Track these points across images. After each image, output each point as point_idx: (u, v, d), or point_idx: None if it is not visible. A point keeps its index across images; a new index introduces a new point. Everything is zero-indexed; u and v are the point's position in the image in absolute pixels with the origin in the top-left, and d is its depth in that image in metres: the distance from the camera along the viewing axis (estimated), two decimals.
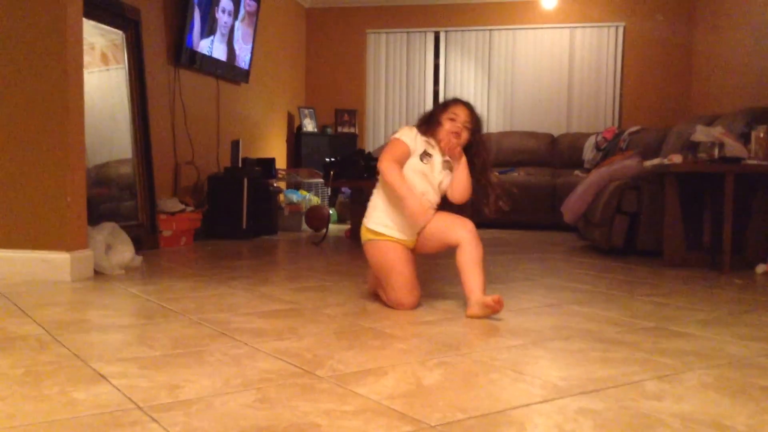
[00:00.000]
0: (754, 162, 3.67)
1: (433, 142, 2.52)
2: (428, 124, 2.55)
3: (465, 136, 2.54)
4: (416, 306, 2.49)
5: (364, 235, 2.56)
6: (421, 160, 2.48)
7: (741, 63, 5.30)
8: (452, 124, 2.51)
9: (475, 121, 2.57)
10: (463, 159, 2.54)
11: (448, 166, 2.54)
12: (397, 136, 2.52)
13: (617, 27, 7.29)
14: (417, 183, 2.47)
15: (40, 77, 2.99)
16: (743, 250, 3.86)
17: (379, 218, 2.51)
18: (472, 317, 2.32)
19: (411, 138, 2.50)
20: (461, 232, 2.45)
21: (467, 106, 2.58)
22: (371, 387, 1.53)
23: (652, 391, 1.55)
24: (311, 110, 7.57)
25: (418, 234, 2.53)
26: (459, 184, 2.54)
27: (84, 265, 3.10)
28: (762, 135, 3.70)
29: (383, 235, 2.50)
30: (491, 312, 2.31)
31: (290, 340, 1.97)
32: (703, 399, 1.49)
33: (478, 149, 2.59)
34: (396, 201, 2.44)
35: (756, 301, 2.80)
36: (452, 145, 2.49)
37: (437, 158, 2.51)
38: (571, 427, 1.30)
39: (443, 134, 2.51)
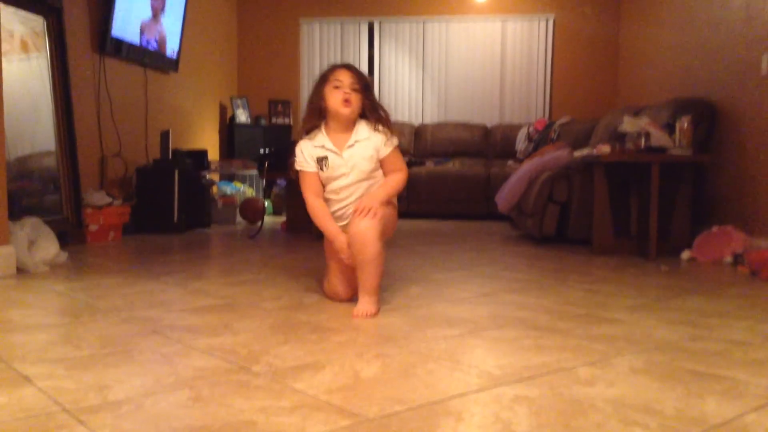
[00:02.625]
0: (678, 152, 3.80)
1: (325, 137, 2.40)
2: (317, 108, 2.41)
3: (356, 99, 2.36)
4: (350, 298, 2.45)
5: None
6: (322, 169, 2.38)
7: (666, 56, 5.48)
8: (338, 92, 2.35)
9: (361, 80, 2.39)
10: (375, 196, 2.35)
11: (363, 139, 2.40)
12: (298, 168, 2.42)
13: (547, 19, 7.42)
14: (333, 185, 2.40)
15: None
16: (669, 237, 3.99)
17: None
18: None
19: (306, 159, 2.40)
20: (354, 227, 2.30)
21: (348, 67, 2.41)
22: (308, 382, 1.51)
23: (585, 377, 1.58)
24: (244, 100, 7.44)
25: None
26: (392, 194, 2.43)
27: (6, 262, 2.96)
28: (686, 125, 3.83)
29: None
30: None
31: (224, 336, 1.92)
32: (633, 383, 1.53)
33: (371, 108, 2.42)
34: (336, 198, 2.42)
35: (681, 287, 2.90)
36: (364, 207, 2.27)
37: (332, 156, 2.38)
38: (507, 415, 1.31)
39: (335, 107, 2.35)
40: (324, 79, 2.40)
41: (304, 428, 1.23)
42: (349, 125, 2.40)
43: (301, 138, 2.47)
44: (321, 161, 2.38)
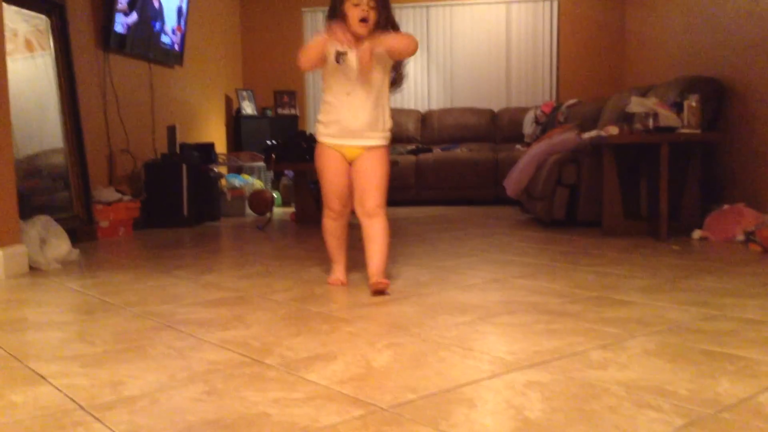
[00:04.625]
0: (687, 131, 3.77)
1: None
2: (335, 19, 2.42)
3: (373, 16, 2.40)
4: (342, 215, 2.57)
5: None
6: (337, 61, 2.41)
7: (672, 34, 5.43)
8: (357, 10, 2.38)
9: None
10: (381, 37, 2.39)
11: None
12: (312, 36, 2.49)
13: (551, 1, 7.36)
14: (342, 86, 2.44)
15: None
16: (679, 217, 3.97)
17: (318, 126, 2.55)
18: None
19: (322, 36, 2.42)
20: (364, 207, 2.47)
21: None
22: (321, 372, 1.52)
23: (597, 360, 1.58)
24: (249, 92, 7.44)
25: (360, 154, 2.48)
26: (396, 45, 2.41)
27: (18, 261, 2.98)
28: (694, 104, 3.79)
29: (322, 142, 2.54)
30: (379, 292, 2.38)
31: (237, 329, 1.93)
32: (645, 365, 1.53)
33: (386, 25, 2.44)
34: (328, 107, 2.47)
35: (693, 267, 2.89)
36: (362, 52, 2.34)
37: (351, 53, 2.40)
38: (520, 401, 1.32)
39: (353, 25, 2.38)
40: None
41: (318, 419, 1.24)
42: (365, 38, 2.41)
43: None
44: (339, 56, 2.40)
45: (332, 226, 2.60)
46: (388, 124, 2.52)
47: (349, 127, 2.45)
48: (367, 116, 2.44)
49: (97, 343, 1.81)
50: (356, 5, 2.38)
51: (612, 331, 1.83)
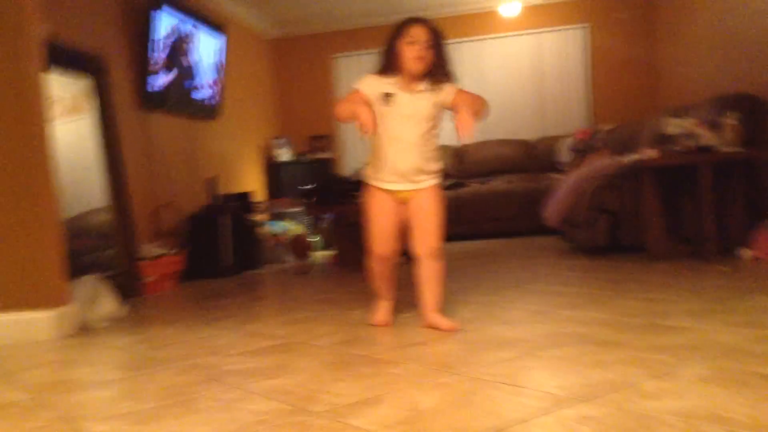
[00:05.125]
0: (728, 149, 3.70)
1: (395, 80, 2.42)
2: (388, 60, 2.42)
3: (429, 55, 2.38)
4: (389, 258, 2.53)
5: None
6: (386, 104, 2.40)
7: (704, 52, 5.37)
8: (412, 49, 2.36)
9: (435, 37, 2.41)
10: (466, 102, 2.39)
11: (428, 90, 2.43)
12: (354, 85, 2.48)
13: (583, 29, 7.36)
14: (390, 130, 2.41)
15: (7, 136, 2.95)
16: (726, 237, 3.87)
17: (367, 169, 2.55)
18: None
19: (368, 84, 2.43)
20: (422, 248, 2.46)
21: (423, 22, 2.40)
22: (368, 417, 1.50)
23: (650, 390, 1.53)
24: (285, 139, 7.56)
25: (413, 195, 2.47)
26: (479, 111, 2.42)
27: (68, 322, 3.04)
28: (733, 122, 3.73)
29: (372, 186, 2.52)
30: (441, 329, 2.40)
31: (282, 378, 1.93)
32: (701, 393, 1.48)
33: (440, 66, 2.43)
34: (377, 150, 2.45)
35: (742, 287, 2.81)
36: (463, 122, 2.29)
37: (401, 95, 2.40)
38: None
39: (407, 63, 2.38)
40: (399, 32, 2.40)
41: None
42: (417, 79, 2.41)
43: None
44: (388, 97, 2.39)
45: (379, 269, 2.55)
46: (438, 165, 2.51)
47: (399, 169, 2.43)
48: (415, 159, 2.42)
49: (146, 400, 1.82)
50: (411, 44, 2.36)
51: (664, 359, 1.78)
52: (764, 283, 2.88)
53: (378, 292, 2.60)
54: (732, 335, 1.99)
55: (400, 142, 2.41)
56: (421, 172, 2.45)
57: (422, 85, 2.42)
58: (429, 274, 2.45)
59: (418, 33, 2.37)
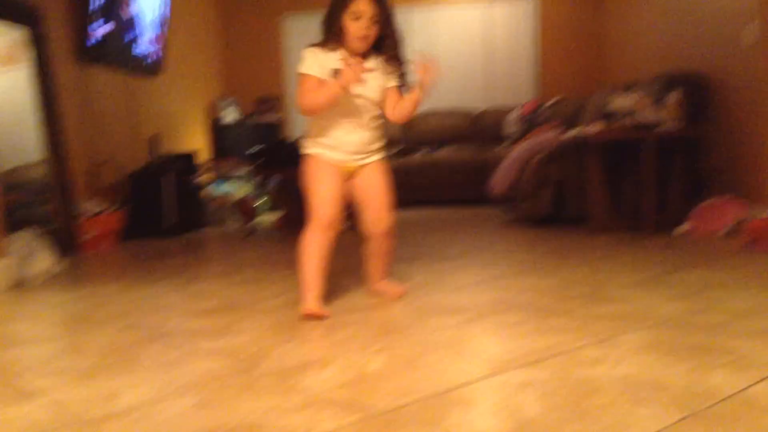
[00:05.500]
0: (670, 126, 3.79)
1: (340, 53, 2.24)
2: (331, 33, 2.24)
3: (374, 31, 2.22)
4: (331, 227, 2.23)
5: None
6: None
7: (651, 30, 5.46)
8: (357, 26, 2.19)
9: (383, 11, 2.23)
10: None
11: (378, 69, 2.29)
12: (301, 70, 2.26)
13: (531, 2, 7.39)
14: (338, 107, 2.24)
15: None
16: (665, 211, 3.99)
17: (310, 143, 2.35)
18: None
19: (314, 63, 2.22)
20: (376, 227, 2.37)
21: None
22: (314, 378, 1.50)
23: (591, 357, 1.58)
24: (232, 100, 7.41)
25: (358, 170, 2.35)
26: (399, 109, 2.34)
27: (4, 276, 2.94)
28: (676, 99, 3.82)
29: (313, 155, 2.34)
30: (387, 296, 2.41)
31: (227, 338, 1.91)
32: (639, 361, 1.53)
33: (389, 41, 2.27)
34: (321, 125, 2.30)
35: (681, 261, 2.90)
36: (353, 72, 2.12)
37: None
38: (516, 401, 1.31)
39: (351, 41, 2.21)
40: (343, 4, 2.21)
41: (313, 427, 1.23)
42: (362, 56, 2.26)
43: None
44: (337, 74, 2.17)
45: (318, 242, 2.22)
46: (382, 141, 2.43)
47: (345, 147, 2.31)
48: (362, 137, 2.33)
49: (87, 357, 1.78)
50: (357, 19, 2.19)
51: (604, 328, 1.83)
52: (700, 258, 2.99)
53: (307, 277, 2.21)
54: (670, 306, 2.05)
55: (347, 121, 2.29)
56: (368, 148, 2.36)
57: (371, 62, 2.27)
58: (381, 249, 2.42)
59: (363, 7, 2.19)
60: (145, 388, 1.49)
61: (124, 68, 5.29)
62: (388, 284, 2.45)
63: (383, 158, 2.44)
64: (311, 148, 2.35)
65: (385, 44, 2.28)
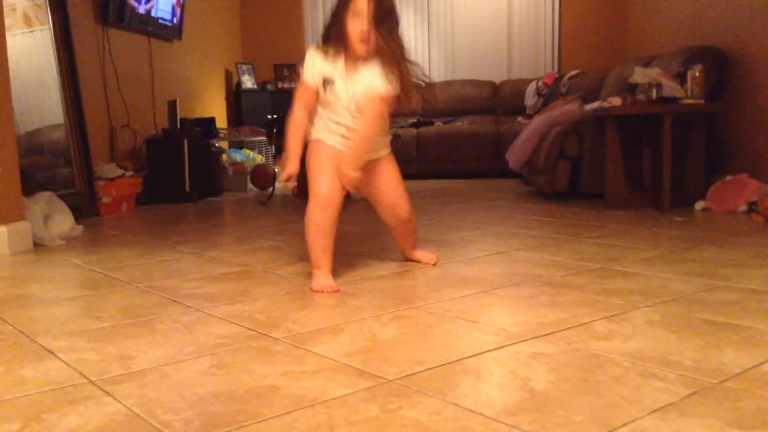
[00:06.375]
0: (691, 101, 3.75)
1: (335, 58, 2.18)
2: (333, 31, 2.17)
3: (374, 33, 2.10)
4: (333, 202, 2.18)
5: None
6: (325, 90, 2.18)
7: (675, 3, 5.37)
8: (355, 25, 2.10)
9: (378, 10, 2.09)
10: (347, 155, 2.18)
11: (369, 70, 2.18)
12: (302, 75, 2.23)
13: None
14: (332, 115, 2.21)
15: None
16: (683, 188, 3.96)
17: (314, 132, 2.28)
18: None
19: (311, 70, 2.19)
20: (396, 220, 2.40)
21: None
22: (328, 346, 1.53)
23: (602, 331, 1.59)
24: (250, 66, 7.39)
25: (366, 166, 2.27)
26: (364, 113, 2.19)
27: (22, 238, 2.99)
28: (698, 74, 3.77)
29: (318, 139, 2.28)
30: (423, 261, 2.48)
31: (243, 304, 1.94)
32: (650, 336, 1.54)
33: (385, 41, 2.12)
34: (325, 116, 2.24)
35: (696, 238, 2.89)
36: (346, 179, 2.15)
37: (340, 82, 2.17)
38: (526, 372, 1.33)
39: (353, 42, 2.13)
40: (345, 2, 2.13)
41: (326, 391, 1.25)
42: (363, 60, 2.18)
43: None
44: (326, 84, 2.17)
45: (321, 218, 2.17)
46: (388, 137, 2.37)
47: (341, 130, 2.23)
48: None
49: (104, 319, 1.82)
50: (356, 17, 2.10)
51: (616, 303, 1.84)
52: (716, 234, 2.97)
53: (315, 254, 2.18)
54: (682, 283, 2.05)
55: (349, 118, 2.21)
56: (372, 147, 2.28)
57: (365, 67, 2.17)
58: (404, 231, 2.47)
59: (362, 6, 2.08)
60: (162, 350, 1.53)
61: (144, 32, 5.30)
62: (421, 252, 2.51)
63: (390, 153, 2.39)
64: (315, 135, 2.28)
65: (385, 45, 2.13)
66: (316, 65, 2.20)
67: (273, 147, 6.50)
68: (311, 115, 2.28)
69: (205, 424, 1.12)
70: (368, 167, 2.29)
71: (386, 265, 2.47)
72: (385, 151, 2.38)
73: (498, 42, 7.52)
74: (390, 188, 2.37)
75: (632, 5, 6.81)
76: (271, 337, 1.61)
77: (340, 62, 2.19)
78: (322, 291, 2.09)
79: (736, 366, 1.33)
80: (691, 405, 1.15)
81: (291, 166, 2.18)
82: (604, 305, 1.82)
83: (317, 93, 2.22)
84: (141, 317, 1.82)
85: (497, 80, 7.45)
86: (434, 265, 2.44)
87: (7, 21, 3.35)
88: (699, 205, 3.77)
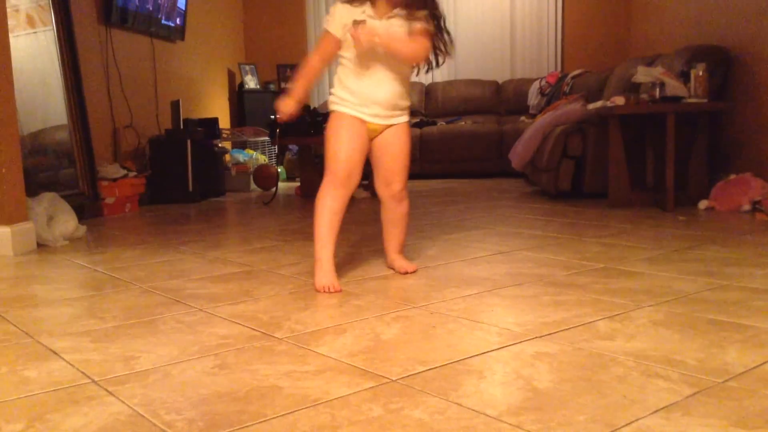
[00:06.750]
0: (694, 100, 3.74)
1: (367, 7, 2.16)
2: None
3: None
4: (346, 186, 2.18)
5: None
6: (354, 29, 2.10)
7: (677, 3, 5.36)
8: None
9: None
10: (389, 32, 2.12)
11: (402, 17, 2.16)
12: (325, 26, 2.23)
13: None
14: (362, 59, 2.16)
15: None
16: (686, 187, 3.96)
17: (332, 98, 2.27)
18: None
19: (338, 19, 2.18)
20: (387, 190, 2.31)
21: None
22: (330, 345, 1.53)
23: (605, 331, 1.58)
24: (252, 67, 7.40)
25: (383, 130, 2.28)
26: (400, 51, 2.16)
27: (26, 238, 2.99)
28: (701, 73, 3.76)
29: (336, 110, 2.26)
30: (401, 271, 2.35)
31: (246, 304, 1.95)
32: (653, 336, 1.53)
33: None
34: (346, 80, 2.23)
35: (699, 237, 2.88)
36: (360, 33, 2.06)
37: (372, 22, 2.13)
38: (529, 372, 1.33)
39: None
40: None
41: (329, 391, 1.25)
42: (392, 6, 2.16)
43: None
44: (357, 24, 2.10)
45: (331, 198, 2.17)
46: (409, 101, 2.33)
47: (370, 102, 2.21)
48: (387, 93, 2.22)
49: (108, 319, 1.82)
50: None
51: (619, 302, 1.83)
52: (720, 233, 2.97)
53: (320, 237, 2.18)
54: (686, 282, 2.05)
55: (372, 74, 2.20)
56: (393, 107, 2.26)
57: (396, 11, 2.17)
58: (392, 216, 2.36)
59: None
60: (165, 350, 1.53)
61: (147, 33, 5.30)
62: (400, 260, 2.37)
63: (407, 122, 2.34)
64: (337, 105, 2.25)
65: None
66: (339, 13, 2.18)
67: (276, 147, 6.51)
68: (334, 78, 2.28)
69: (209, 424, 1.12)
70: (381, 130, 2.26)
71: (388, 268, 2.46)
72: (403, 118, 2.31)
73: (501, 41, 7.51)
74: (394, 153, 2.28)
75: (635, 4, 6.80)
76: (274, 337, 1.61)
77: (368, 9, 2.16)
78: (325, 291, 2.08)
79: (740, 365, 1.32)
80: (694, 404, 1.15)
81: (289, 100, 2.18)
82: (608, 305, 1.81)
83: (338, 47, 2.19)
84: (144, 317, 1.83)
85: (500, 80, 7.44)
86: (409, 274, 2.32)
87: (11, 22, 3.36)
88: (702, 204, 3.77)
